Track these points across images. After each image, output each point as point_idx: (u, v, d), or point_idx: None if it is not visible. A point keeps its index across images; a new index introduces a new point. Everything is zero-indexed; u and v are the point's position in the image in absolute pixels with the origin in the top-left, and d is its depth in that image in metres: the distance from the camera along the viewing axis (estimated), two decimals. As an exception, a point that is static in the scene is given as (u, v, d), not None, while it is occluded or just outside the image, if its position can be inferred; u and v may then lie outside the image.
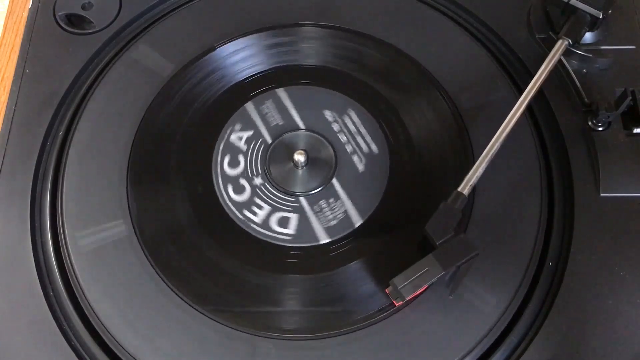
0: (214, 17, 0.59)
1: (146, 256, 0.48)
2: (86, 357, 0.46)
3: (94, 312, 0.47)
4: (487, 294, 0.46)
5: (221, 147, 0.53)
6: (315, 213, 0.51)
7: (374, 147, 0.53)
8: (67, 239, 0.49)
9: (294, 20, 0.58)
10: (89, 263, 0.48)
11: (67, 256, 0.48)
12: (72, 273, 0.48)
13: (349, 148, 0.53)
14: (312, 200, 0.51)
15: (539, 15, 0.57)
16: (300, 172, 0.53)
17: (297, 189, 0.52)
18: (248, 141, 0.54)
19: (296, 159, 0.52)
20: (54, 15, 0.59)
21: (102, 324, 0.46)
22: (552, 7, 0.56)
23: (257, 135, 0.54)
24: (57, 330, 0.46)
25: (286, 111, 0.55)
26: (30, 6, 0.60)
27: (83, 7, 0.59)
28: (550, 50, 0.52)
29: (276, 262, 0.49)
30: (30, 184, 0.51)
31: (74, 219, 0.50)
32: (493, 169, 0.47)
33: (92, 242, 0.49)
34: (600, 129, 0.51)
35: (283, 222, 0.51)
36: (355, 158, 0.53)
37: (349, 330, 0.46)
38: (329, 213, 0.51)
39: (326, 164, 0.53)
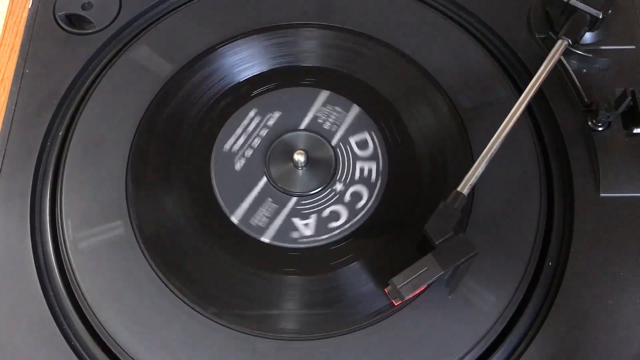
0: (214, 17, 0.59)
1: (145, 257, 0.48)
2: (86, 357, 0.46)
3: (94, 312, 0.47)
4: (487, 293, 0.46)
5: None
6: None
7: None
8: (67, 239, 0.49)
9: (294, 20, 0.58)
10: (88, 263, 0.48)
11: (67, 256, 0.49)
12: (72, 273, 0.48)
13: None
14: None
15: (539, 15, 0.57)
16: (300, 172, 0.53)
17: (297, 189, 0.52)
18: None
19: (296, 159, 0.52)
20: (54, 15, 0.59)
21: (102, 324, 0.46)
22: (552, 7, 0.56)
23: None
24: (57, 330, 0.46)
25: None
26: (30, 6, 0.60)
27: (83, 7, 0.59)
28: (550, 50, 0.52)
29: (276, 262, 0.49)
30: (30, 184, 0.51)
31: (74, 219, 0.50)
32: (493, 169, 0.47)
33: (92, 242, 0.49)
34: (600, 129, 0.51)
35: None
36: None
37: (348, 330, 0.46)
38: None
39: (326, 164, 0.53)
